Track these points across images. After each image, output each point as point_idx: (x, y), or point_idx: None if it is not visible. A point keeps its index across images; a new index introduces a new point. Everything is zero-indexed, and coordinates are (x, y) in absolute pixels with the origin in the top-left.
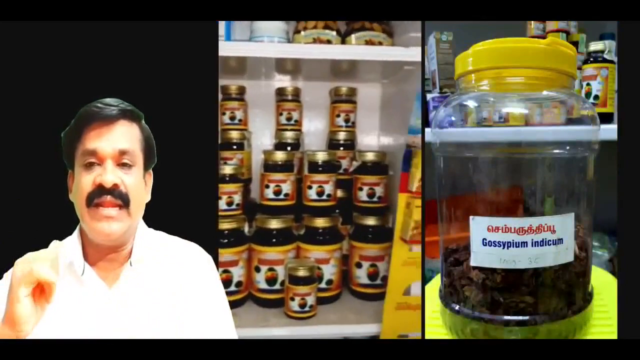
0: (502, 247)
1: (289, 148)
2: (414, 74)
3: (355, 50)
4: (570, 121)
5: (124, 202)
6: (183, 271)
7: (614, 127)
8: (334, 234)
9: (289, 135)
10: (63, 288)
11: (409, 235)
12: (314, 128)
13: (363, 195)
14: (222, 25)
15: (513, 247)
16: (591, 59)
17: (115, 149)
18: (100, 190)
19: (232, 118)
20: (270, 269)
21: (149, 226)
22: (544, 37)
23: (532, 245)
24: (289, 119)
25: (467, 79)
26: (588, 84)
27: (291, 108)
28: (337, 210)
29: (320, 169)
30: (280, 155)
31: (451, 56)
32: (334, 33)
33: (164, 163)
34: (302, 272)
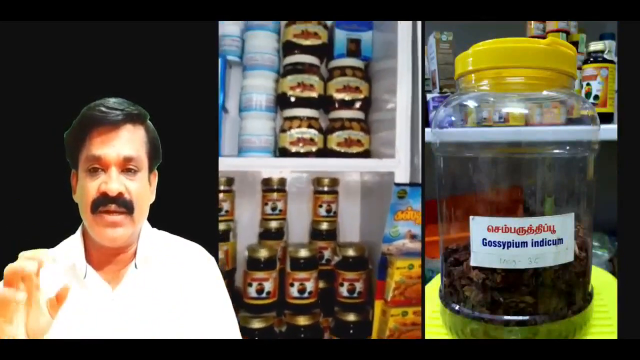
0: (502, 247)
1: (273, 236)
2: (391, 176)
3: (336, 162)
4: (570, 121)
5: (128, 209)
6: (185, 271)
7: (614, 127)
8: (315, 331)
9: (273, 225)
10: None
11: None
12: (297, 214)
13: (344, 290)
14: None
15: (513, 247)
16: (591, 59)
17: (120, 156)
18: (104, 199)
19: (219, 209)
20: None
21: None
22: (544, 37)
23: (532, 245)
24: (273, 208)
25: (467, 79)
26: (588, 84)
27: (276, 198)
28: (319, 302)
29: (302, 265)
30: (263, 253)
31: (451, 56)
32: (316, 132)
33: (163, 163)
34: None
